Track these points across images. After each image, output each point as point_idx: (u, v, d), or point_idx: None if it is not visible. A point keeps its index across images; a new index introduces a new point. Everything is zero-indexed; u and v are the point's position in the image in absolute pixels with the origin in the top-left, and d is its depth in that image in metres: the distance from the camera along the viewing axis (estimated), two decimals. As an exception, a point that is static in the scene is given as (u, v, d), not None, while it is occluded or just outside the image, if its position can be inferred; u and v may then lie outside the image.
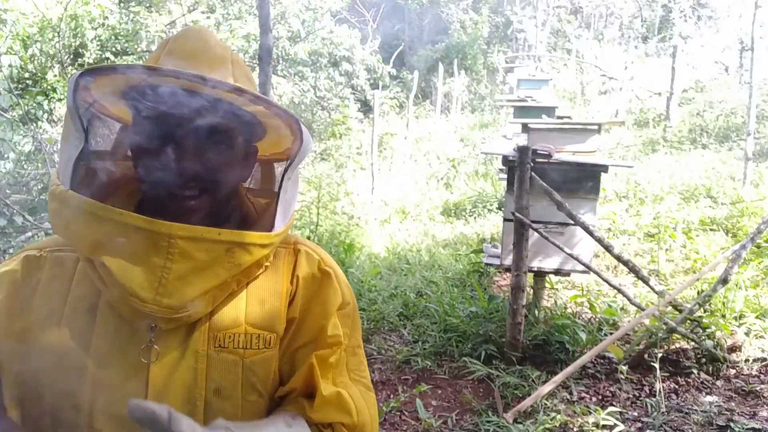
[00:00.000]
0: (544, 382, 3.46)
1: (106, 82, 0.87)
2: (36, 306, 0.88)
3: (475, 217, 8.35)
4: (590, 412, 3.23)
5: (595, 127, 4.35)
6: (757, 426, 3.11)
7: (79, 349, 0.85)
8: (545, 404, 3.32)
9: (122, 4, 10.81)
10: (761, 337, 3.94)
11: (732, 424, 3.11)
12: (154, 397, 0.85)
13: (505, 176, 4.68)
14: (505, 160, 4.14)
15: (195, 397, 0.87)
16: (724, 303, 4.22)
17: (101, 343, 0.86)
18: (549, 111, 7.33)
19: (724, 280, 3.68)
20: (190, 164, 0.84)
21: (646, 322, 3.75)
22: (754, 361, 3.77)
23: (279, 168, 1.03)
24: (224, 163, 0.88)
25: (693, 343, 3.78)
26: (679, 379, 3.65)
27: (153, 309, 0.80)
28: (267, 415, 0.93)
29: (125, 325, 0.86)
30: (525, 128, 4.52)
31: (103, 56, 10.30)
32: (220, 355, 0.89)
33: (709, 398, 3.41)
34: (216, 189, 0.88)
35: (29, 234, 5.21)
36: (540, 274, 4.36)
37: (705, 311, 3.95)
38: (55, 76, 8.97)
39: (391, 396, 3.61)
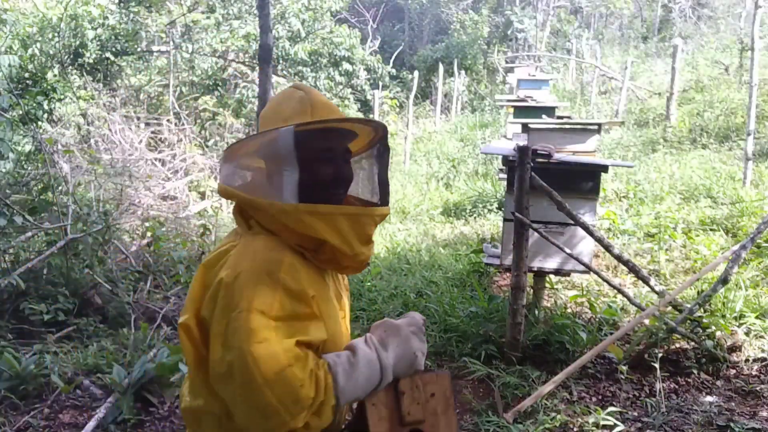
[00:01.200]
0: (544, 382, 3.45)
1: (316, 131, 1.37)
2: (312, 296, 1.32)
3: (475, 217, 8.33)
4: (590, 412, 3.24)
5: (595, 127, 4.36)
6: (757, 426, 3.10)
7: (338, 316, 1.44)
8: (545, 404, 3.32)
9: (122, 4, 10.82)
10: (761, 337, 3.94)
11: (732, 424, 3.11)
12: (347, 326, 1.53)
13: (505, 176, 4.68)
14: (505, 160, 4.14)
15: (349, 322, 1.55)
16: (724, 303, 4.21)
17: (335, 307, 1.42)
18: (549, 111, 7.34)
19: (724, 280, 3.68)
20: (349, 173, 1.40)
21: (646, 322, 3.75)
22: (754, 361, 3.76)
23: None
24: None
25: (693, 343, 3.78)
26: (679, 379, 3.65)
27: (367, 258, 1.39)
28: None
29: (333, 289, 1.44)
30: (525, 128, 4.52)
31: (103, 56, 10.30)
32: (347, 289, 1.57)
33: (709, 398, 3.41)
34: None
35: (29, 234, 5.20)
36: (540, 274, 4.36)
37: (705, 311, 3.94)
38: (55, 76, 8.97)
39: (391, 396, 3.61)
